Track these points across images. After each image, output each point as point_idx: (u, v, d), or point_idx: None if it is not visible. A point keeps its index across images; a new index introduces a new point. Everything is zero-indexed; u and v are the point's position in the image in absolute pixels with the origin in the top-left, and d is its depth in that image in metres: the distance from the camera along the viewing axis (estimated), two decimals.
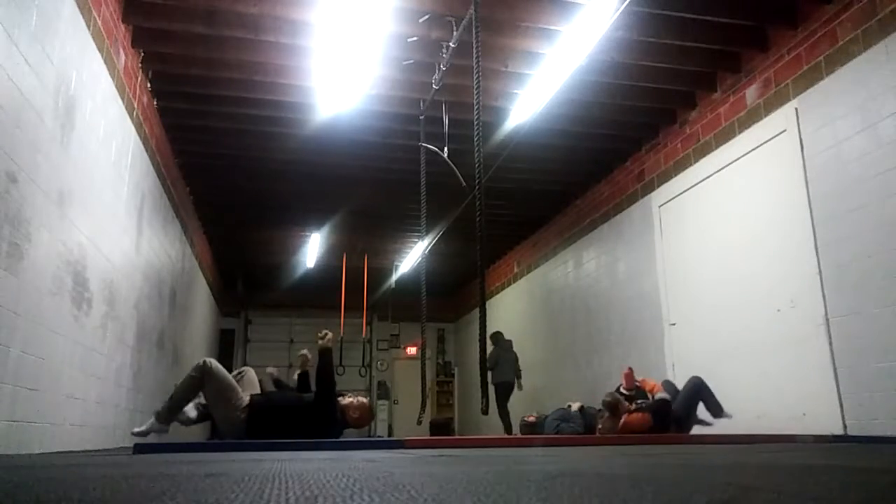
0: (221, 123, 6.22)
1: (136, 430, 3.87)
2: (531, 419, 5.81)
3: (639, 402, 4.99)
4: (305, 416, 3.90)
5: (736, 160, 5.28)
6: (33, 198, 3.17)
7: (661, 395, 4.90)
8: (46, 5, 3.22)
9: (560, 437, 4.76)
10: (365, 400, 4.24)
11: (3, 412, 2.96)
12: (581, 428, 5.35)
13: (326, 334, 4.09)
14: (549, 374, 8.77)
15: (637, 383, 5.31)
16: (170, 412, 3.82)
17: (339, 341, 10.60)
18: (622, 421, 4.76)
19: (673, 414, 4.71)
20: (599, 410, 5.16)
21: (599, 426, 4.98)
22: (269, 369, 4.80)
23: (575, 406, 5.66)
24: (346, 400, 4.11)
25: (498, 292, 10.89)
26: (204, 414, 4.07)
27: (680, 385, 5.04)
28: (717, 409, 4.71)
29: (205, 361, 3.95)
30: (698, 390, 4.77)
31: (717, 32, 4.91)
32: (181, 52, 5.04)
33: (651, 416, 4.70)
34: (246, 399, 3.91)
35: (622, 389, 5.26)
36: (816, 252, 4.35)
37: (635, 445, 3.74)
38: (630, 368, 5.40)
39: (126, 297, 5.06)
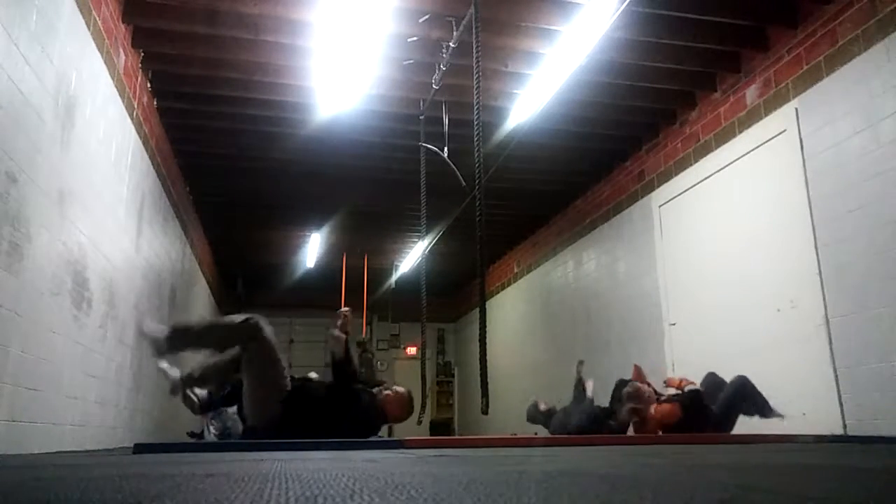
0: (221, 123, 6.22)
1: (166, 367, 3.53)
2: (543, 407, 5.43)
3: (670, 395, 4.63)
4: (340, 408, 3.60)
5: (736, 160, 5.28)
6: (33, 198, 3.17)
7: (690, 386, 4.54)
8: (46, 5, 3.22)
9: (560, 438, 4.73)
10: (403, 390, 3.94)
11: (3, 412, 2.96)
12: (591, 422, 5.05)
13: (334, 333, 3.79)
14: (548, 374, 8.76)
15: (664, 384, 4.93)
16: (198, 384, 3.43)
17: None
18: (649, 413, 4.43)
19: (711, 415, 4.37)
20: (613, 405, 4.81)
21: (623, 418, 4.60)
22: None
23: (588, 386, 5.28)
24: (383, 393, 3.85)
25: (498, 292, 10.89)
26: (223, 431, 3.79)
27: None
28: (765, 410, 4.33)
29: (254, 321, 3.41)
30: (743, 391, 4.39)
31: (717, 32, 4.91)
32: (181, 52, 5.04)
33: (681, 408, 4.36)
34: (289, 382, 3.50)
35: None
36: (816, 252, 4.35)
37: (636, 446, 3.73)
38: (636, 366, 5.07)
39: (126, 296, 5.06)
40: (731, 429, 4.43)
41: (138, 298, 5.47)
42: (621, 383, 5.06)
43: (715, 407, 4.42)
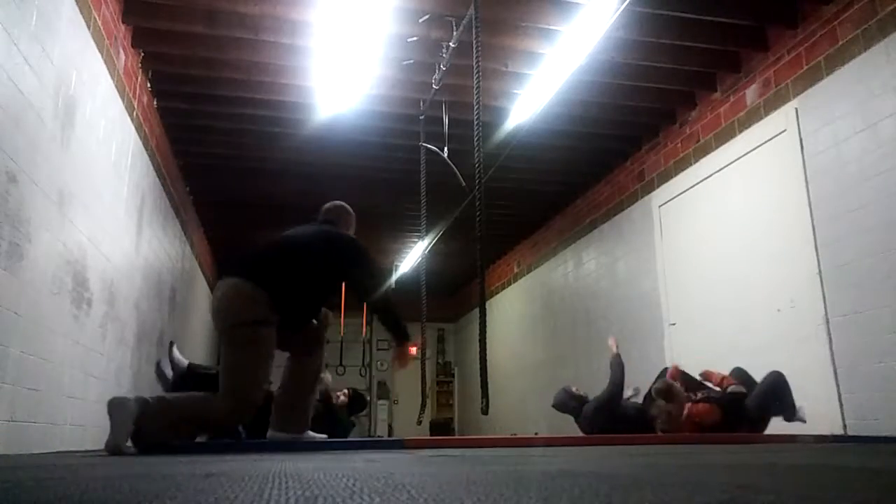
0: (221, 123, 6.22)
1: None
2: (574, 390, 4.99)
3: (704, 392, 4.35)
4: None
5: (736, 160, 5.28)
6: (33, 198, 3.17)
7: (734, 388, 4.24)
8: (46, 5, 3.22)
9: (559, 438, 4.72)
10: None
11: (3, 412, 2.96)
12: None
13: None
14: (548, 374, 8.76)
15: (699, 376, 4.63)
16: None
17: (340, 341, 10.59)
18: (685, 412, 4.19)
19: (746, 413, 4.17)
20: (647, 400, 4.56)
21: (658, 420, 4.31)
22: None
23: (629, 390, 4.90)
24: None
25: (498, 292, 10.89)
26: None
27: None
28: (791, 411, 4.15)
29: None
30: (778, 388, 4.16)
31: (717, 32, 4.91)
32: (181, 52, 5.04)
33: (721, 410, 4.13)
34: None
35: None
36: (816, 252, 4.36)
37: (636, 446, 3.74)
38: (675, 366, 4.70)
39: (126, 296, 5.07)
40: (764, 428, 4.23)
41: (138, 298, 5.47)
42: (664, 374, 4.77)
43: (749, 403, 4.21)
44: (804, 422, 4.16)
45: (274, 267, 3.23)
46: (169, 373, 3.98)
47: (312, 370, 3.47)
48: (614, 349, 4.96)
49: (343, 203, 3.72)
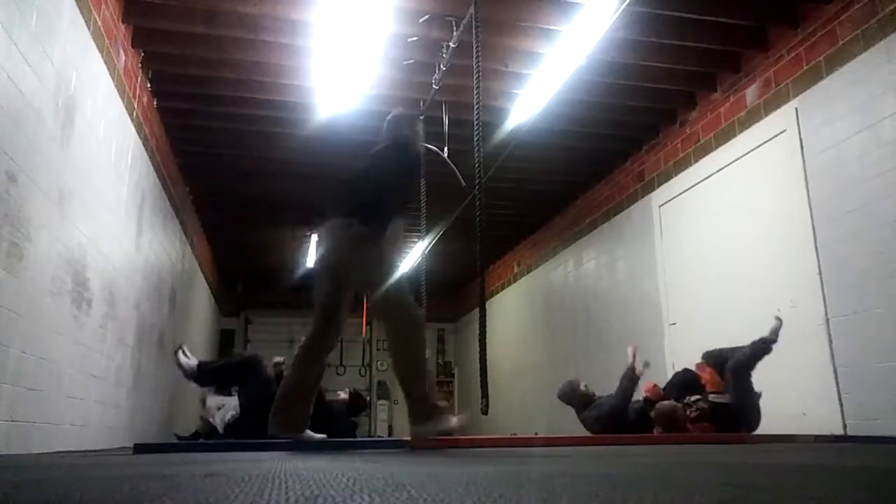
0: (221, 123, 6.22)
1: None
2: (583, 388, 5.03)
3: (691, 403, 4.39)
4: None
5: (736, 160, 5.28)
6: (33, 198, 3.17)
7: (715, 397, 4.36)
8: (46, 5, 3.22)
9: (559, 438, 4.71)
10: None
11: (3, 412, 2.96)
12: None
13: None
14: (548, 374, 8.76)
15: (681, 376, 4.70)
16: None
17: (339, 341, 10.59)
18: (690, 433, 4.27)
19: (733, 410, 4.25)
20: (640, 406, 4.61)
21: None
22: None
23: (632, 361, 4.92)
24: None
25: (498, 292, 10.89)
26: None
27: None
28: (770, 345, 4.31)
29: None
30: (746, 375, 4.29)
31: (717, 32, 4.91)
32: (181, 52, 5.04)
33: (712, 423, 4.25)
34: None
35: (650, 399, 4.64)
36: (816, 252, 4.36)
37: (637, 446, 3.73)
38: (654, 385, 4.78)
39: (126, 297, 5.06)
40: (759, 415, 4.28)
41: (138, 298, 5.47)
42: (681, 374, 4.81)
43: (732, 402, 4.29)
44: (780, 321, 4.30)
45: (366, 199, 3.42)
46: (186, 363, 4.14)
47: (315, 371, 3.48)
48: (630, 359, 4.93)
49: (401, 111, 3.80)
